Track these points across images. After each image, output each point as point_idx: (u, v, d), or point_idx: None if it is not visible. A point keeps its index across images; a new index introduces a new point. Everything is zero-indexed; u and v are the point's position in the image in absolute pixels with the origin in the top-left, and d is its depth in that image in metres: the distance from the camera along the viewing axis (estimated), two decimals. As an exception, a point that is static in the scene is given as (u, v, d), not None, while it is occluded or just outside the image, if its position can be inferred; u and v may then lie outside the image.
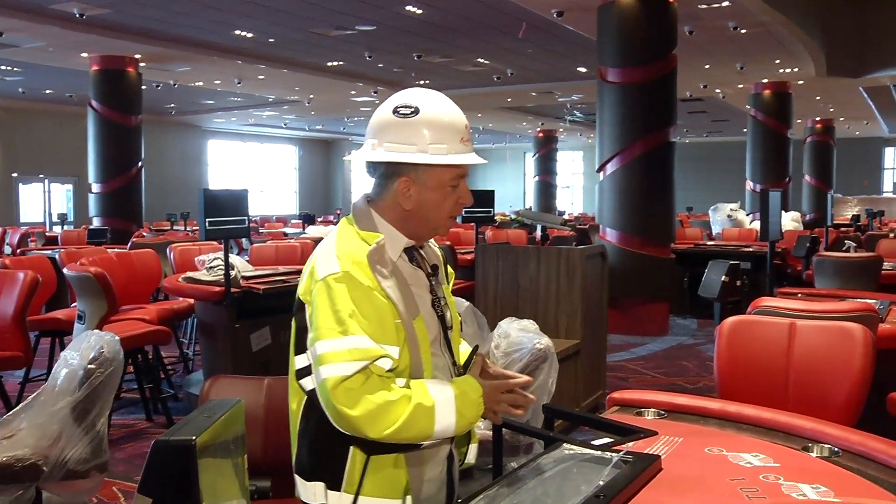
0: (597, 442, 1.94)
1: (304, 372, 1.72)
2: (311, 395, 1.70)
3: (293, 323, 1.77)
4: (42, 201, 21.75)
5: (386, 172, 1.77)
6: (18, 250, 9.87)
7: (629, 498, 1.61)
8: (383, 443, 1.65)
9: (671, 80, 8.62)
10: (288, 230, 15.04)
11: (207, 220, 4.60)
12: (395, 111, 1.75)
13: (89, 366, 2.89)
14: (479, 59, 14.12)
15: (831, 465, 1.85)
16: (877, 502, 1.64)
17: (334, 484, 1.70)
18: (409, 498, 1.72)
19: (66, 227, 15.56)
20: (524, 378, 1.84)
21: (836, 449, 1.94)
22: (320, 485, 1.71)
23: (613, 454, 1.75)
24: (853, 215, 16.54)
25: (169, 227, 15.34)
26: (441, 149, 1.74)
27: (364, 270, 1.67)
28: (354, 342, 1.61)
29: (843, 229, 12.89)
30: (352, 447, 1.69)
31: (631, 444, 1.94)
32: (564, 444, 1.85)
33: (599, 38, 8.89)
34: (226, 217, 4.70)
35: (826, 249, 8.14)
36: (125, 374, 5.42)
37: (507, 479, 1.69)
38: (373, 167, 1.79)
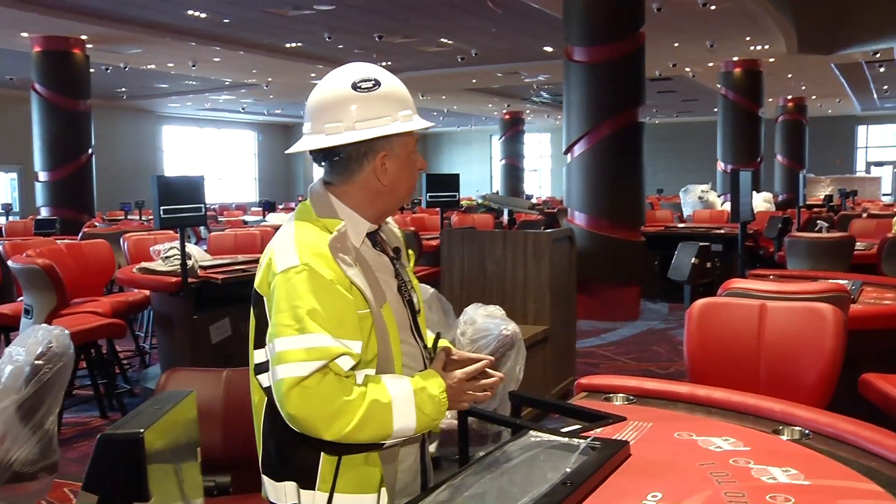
0: (565, 429, 1.91)
1: (263, 367, 1.66)
2: (269, 392, 1.64)
3: (251, 316, 1.70)
4: (-17, 191, 21.00)
5: (358, 152, 1.69)
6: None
7: (597, 484, 1.58)
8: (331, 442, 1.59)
9: (639, 58, 8.56)
10: (248, 218, 14.85)
11: (162, 207, 4.50)
12: (356, 87, 1.67)
13: (36, 361, 2.77)
14: (442, 39, 13.99)
15: (802, 447, 1.84)
16: (847, 484, 1.62)
17: (307, 483, 1.64)
18: (383, 490, 1.68)
19: (11, 218, 15.09)
20: (488, 359, 1.80)
21: (807, 431, 1.93)
22: (291, 485, 1.66)
23: (581, 441, 1.74)
24: (826, 195, 16.70)
25: (123, 217, 14.96)
26: (409, 115, 1.71)
27: (326, 261, 1.60)
28: (312, 341, 1.54)
29: (815, 210, 13.00)
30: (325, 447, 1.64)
31: (599, 430, 1.92)
32: (531, 432, 1.83)
33: (565, 16, 8.80)
34: (181, 205, 4.59)
35: (798, 230, 8.20)
36: (78, 370, 5.28)
37: (472, 468, 1.65)
38: (333, 152, 1.69)
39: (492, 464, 1.66)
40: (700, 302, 2.85)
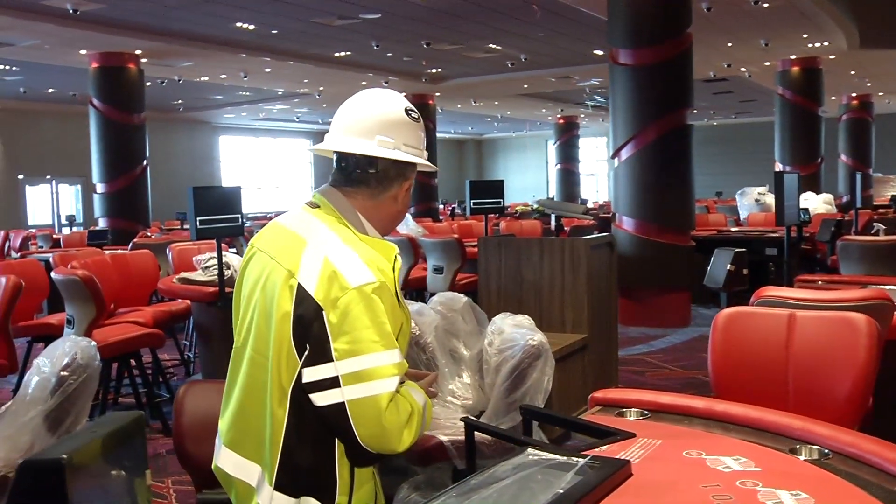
0: (567, 446, 1.83)
1: (319, 385, 1.60)
2: (325, 410, 1.60)
3: (299, 331, 1.62)
4: (50, 203, 21.70)
5: (394, 173, 1.75)
6: (18, 254, 9.86)
7: (590, 506, 1.50)
8: (367, 454, 1.64)
9: (686, 59, 8.35)
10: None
11: (198, 218, 4.56)
12: (408, 113, 1.75)
13: (62, 373, 2.82)
14: (490, 45, 13.93)
15: (818, 468, 1.72)
16: (862, 510, 1.50)
17: (326, 497, 1.65)
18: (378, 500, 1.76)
19: (74, 229, 15.58)
20: (433, 375, 1.93)
21: (827, 451, 1.80)
22: (312, 501, 1.65)
23: (579, 459, 1.65)
24: (893, 196, 16.04)
25: (179, 226, 15.30)
26: (426, 154, 1.82)
27: (390, 279, 1.66)
28: (396, 356, 1.62)
29: (880, 211, 12.44)
30: (338, 461, 1.66)
31: (605, 447, 1.83)
32: (529, 449, 1.75)
33: (609, 18, 8.66)
34: (217, 215, 4.65)
35: (855, 233, 7.84)
36: (124, 379, 5.39)
37: (456, 489, 1.58)
38: (373, 163, 1.73)
39: (480, 483, 1.58)
40: (726, 311, 2.72)
